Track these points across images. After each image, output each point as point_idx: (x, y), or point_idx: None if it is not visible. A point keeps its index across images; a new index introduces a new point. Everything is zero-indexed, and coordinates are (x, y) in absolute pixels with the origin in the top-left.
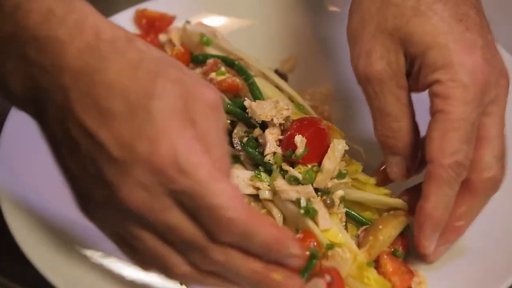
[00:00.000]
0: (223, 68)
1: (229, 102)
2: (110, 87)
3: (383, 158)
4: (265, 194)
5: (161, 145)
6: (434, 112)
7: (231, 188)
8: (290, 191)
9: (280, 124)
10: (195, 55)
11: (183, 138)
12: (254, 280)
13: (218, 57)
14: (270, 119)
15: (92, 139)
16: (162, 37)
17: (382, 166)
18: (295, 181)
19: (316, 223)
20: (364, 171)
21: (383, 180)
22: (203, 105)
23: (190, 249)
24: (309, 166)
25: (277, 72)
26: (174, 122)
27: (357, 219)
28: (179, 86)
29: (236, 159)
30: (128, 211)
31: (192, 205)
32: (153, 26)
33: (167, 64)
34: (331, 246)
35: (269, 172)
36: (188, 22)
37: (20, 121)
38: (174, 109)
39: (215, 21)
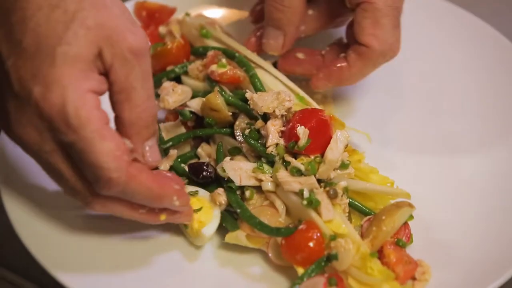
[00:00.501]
0: (224, 60)
1: (231, 94)
2: (26, 20)
3: (385, 148)
4: (268, 185)
5: (53, 92)
6: (358, 2)
7: (117, 148)
8: (293, 183)
9: (282, 116)
10: (196, 48)
11: (77, 89)
12: (140, 220)
13: (218, 49)
14: (272, 111)
15: (2, 65)
16: (163, 29)
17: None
18: (297, 172)
19: (319, 214)
20: (367, 160)
21: (257, 20)
22: (124, 50)
23: (74, 194)
24: (312, 157)
25: (275, 64)
26: (74, 71)
27: (361, 210)
28: (95, 32)
29: (238, 150)
30: (22, 144)
31: (77, 159)
32: (153, 18)
33: (90, 6)
34: (334, 237)
35: (271, 163)
36: (187, 14)
37: None
38: (79, 57)
39: (215, 13)
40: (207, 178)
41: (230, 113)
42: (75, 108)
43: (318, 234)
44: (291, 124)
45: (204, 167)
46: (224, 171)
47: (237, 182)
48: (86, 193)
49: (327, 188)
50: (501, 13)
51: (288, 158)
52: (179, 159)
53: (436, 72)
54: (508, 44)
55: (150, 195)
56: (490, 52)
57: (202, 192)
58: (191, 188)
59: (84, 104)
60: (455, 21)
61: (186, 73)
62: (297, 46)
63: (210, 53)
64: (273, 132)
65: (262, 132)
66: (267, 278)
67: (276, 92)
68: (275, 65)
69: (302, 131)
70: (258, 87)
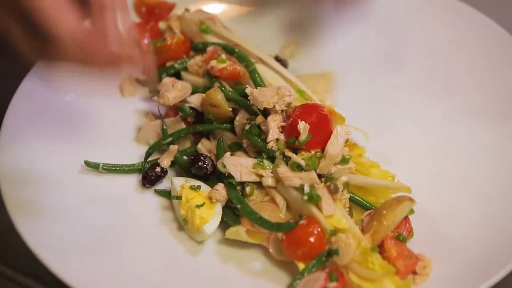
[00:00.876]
0: (223, 56)
1: (231, 89)
2: None
3: (385, 142)
4: (268, 181)
5: None
6: None
7: (73, 18)
8: (294, 178)
9: (283, 111)
10: (195, 44)
11: None
12: (103, 72)
13: (218, 44)
14: (272, 106)
15: None
16: (162, 25)
17: None
18: (298, 167)
19: (319, 209)
20: (368, 154)
21: None
22: None
23: (32, 53)
24: (312, 152)
25: (277, 58)
26: None
27: (361, 204)
28: None
29: (238, 146)
30: None
31: (33, 19)
32: (152, 13)
33: None
34: (334, 232)
35: (272, 159)
36: (187, 10)
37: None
38: None
39: (214, 8)
40: (202, 169)
41: (230, 109)
42: None
43: (319, 229)
44: (291, 119)
45: (201, 158)
46: (224, 166)
47: (238, 178)
48: (43, 51)
49: (328, 183)
50: (503, 8)
51: (289, 153)
52: (178, 155)
53: (435, 66)
54: (510, 38)
55: (109, 59)
56: (492, 47)
57: (205, 187)
58: (193, 182)
59: None
60: (458, 16)
61: (185, 69)
62: None
63: (210, 48)
64: (274, 127)
65: (263, 127)
66: (268, 274)
67: (276, 87)
68: (276, 58)
69: (302, 126)
70: (258, 82)
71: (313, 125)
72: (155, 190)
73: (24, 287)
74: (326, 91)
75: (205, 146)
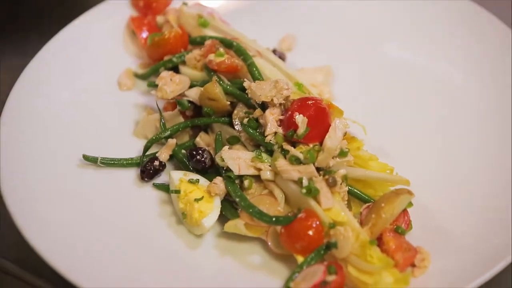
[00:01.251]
0: (221, 49)
1: (229, 83)
2: None
3: (384, 135)
4: (267, 174)
5: None
6: None
7: None
8: (292, 171)
9: (281, 104)
10: (193, 37)
11: None
12: None
13: (216, 38)
14: (270, 100)
15: None
16: (160, 19)
17: None
18: (296, 161)
19: (318, 202)
20: (366, 147)
21: None
22: None
23: None
24: (311, 145)
25: (275, 52)
26: None
27: (360, 197)
28: None
29: (236, 139)
30: None
31: None
32: (150, 7)
33: None
34: (333, 225)
35: (270, 152)
36: (185, 3)
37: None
38: None
39: (212, 2)
40: (200, 163)
41: (228, 102)
42: None
43: (317, 223)
44: (289, 112)
45: (200, 151)
46: (223, 160)
47: (236, 172)
48: None
49: (326, 176)
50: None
51: (287, 146)
52: (177, 149)
53: (435, 62)
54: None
55: None
56: (493, 44)
57: (203, 181)
58: (192, 176)
59: None
60: (457, 11)
61: (183, 62)
62: None
63: (208, 42)
64: (272, 120)
65: (261, 121)
66: (267, 267)
67: (274, 81)
68: (274, 52)
69: (300, 120)
70: (256, 76)
71: (311, 119)
72: (153, 184)
73: (25, 282)
74: (324, 84)
75: (203, 140)
